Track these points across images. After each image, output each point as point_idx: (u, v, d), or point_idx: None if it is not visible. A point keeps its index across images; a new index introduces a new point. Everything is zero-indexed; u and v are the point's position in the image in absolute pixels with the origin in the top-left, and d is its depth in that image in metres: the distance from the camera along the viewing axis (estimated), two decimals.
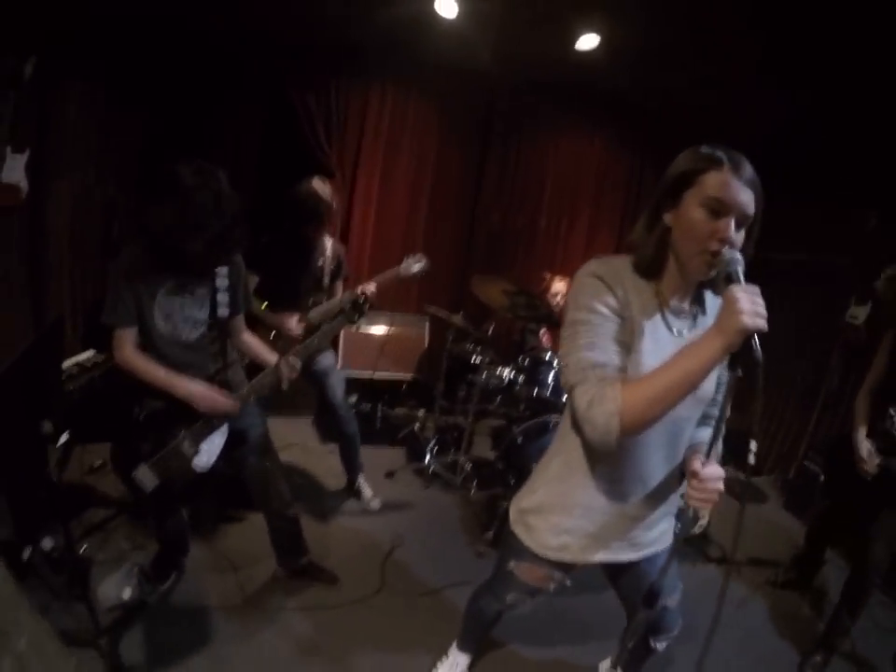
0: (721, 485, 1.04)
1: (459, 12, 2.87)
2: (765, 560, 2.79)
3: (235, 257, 1.70)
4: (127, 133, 2.98)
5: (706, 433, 1.23)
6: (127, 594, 1.80)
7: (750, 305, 0.88)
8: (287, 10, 2.92)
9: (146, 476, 1.61)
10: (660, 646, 1.52)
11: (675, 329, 1.11)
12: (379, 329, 3.48)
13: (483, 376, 2.72)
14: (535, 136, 3.97)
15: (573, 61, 3.18)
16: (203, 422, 1.62)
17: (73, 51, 2.66)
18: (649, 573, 1.35)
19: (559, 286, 3.11)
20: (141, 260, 1.54)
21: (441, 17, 2.92)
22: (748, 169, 1.00)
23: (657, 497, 1.23)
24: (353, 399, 3.69)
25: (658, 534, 1.33)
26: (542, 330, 3.19)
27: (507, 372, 2.67)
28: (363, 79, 3.52)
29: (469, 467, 2.94)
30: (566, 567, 1.34)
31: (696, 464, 1.05)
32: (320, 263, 2.43)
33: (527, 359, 2.68)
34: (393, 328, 3.50)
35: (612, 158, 4.20)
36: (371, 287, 2.31)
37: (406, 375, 3.55)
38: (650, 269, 1.10)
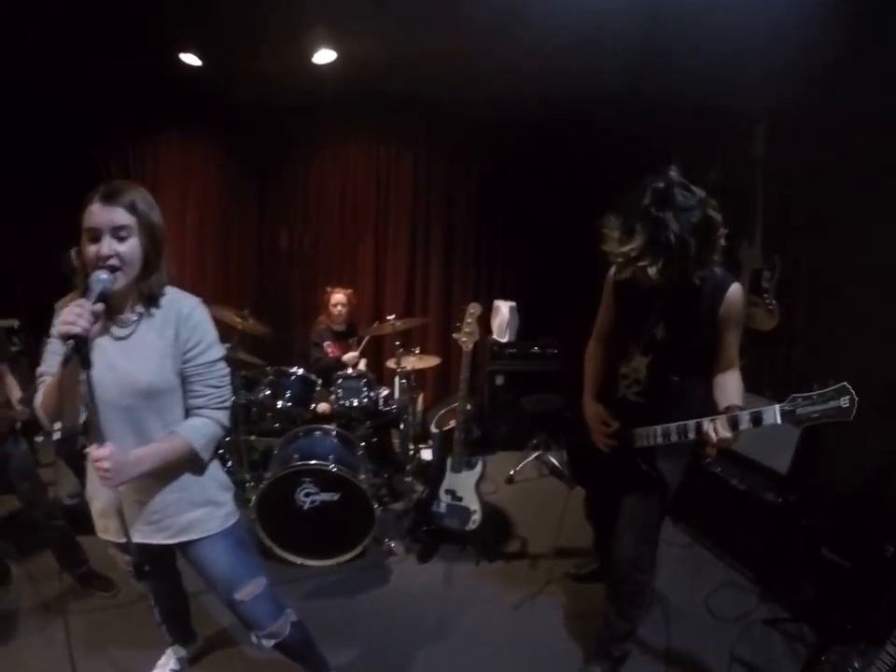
0: (103, 464, 1.20)
1: (204, 59, 3.08)
2: (573, 550, 2.62)
3: None
4: None
5: (192, 421, 1.40)
6: None
7: (66, 317, 1.11)
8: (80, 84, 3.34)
9: None
10: (265, 642, 1.55)
11: (117, 335, 1.33)
12: None
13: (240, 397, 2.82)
14: (309, 156, 4.07)
15: (314, 76, 3.31)
16: None
17: None
18: (205, 562, 1.47)
19: (338, 297, 3.23)
20: None
21: (189, 65, 3.13)
22: (122, 195, 1.23)
23: (151, 481, 1.36)
24: None
25: (191, 521, 1.43)
26: (327, 343, 3.23)
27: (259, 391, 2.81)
28: (151, 139, 3.87)
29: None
30: (124, 549, 1.42)
31: (92, 448, 1.23)
32: None
33: (272, 374, 2.81)
34: None
35: (393, 167, 4.12)
36: None
37: None
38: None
